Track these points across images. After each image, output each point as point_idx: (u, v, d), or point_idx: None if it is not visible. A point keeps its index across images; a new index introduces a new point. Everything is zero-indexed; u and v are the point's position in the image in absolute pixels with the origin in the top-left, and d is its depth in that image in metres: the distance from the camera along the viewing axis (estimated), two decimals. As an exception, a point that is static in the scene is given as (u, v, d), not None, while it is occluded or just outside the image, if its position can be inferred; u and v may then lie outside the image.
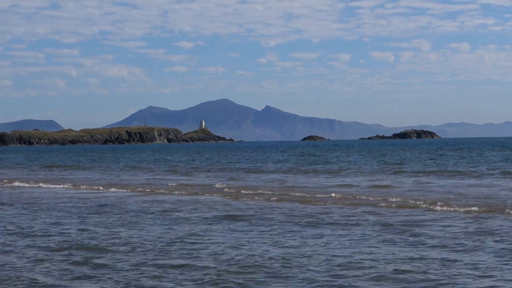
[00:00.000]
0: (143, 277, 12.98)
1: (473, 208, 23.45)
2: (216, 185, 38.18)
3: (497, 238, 16.82)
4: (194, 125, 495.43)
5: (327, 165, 62.66)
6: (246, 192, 33.17)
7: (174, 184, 40.44)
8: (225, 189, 35.52)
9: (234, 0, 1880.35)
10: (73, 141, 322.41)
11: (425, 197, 28.36)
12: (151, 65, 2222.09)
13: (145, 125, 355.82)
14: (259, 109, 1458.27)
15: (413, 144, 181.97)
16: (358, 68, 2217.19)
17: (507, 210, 22.64)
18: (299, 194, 31.32)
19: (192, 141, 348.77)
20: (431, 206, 24.53)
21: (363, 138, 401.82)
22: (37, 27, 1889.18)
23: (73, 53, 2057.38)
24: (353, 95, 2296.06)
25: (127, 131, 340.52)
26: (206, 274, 12.97)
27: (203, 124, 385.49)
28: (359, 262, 13.93)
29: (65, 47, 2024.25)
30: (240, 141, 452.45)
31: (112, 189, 37.79)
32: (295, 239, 17.21)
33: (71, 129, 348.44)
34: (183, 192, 34.38)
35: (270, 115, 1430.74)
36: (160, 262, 14.31)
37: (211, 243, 16.65)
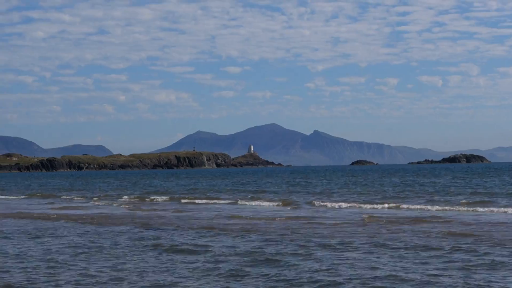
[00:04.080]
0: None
1: None
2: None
3: None
4: (243, 149, 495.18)
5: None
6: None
7: None
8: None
9: (281, 25, 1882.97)
10: (122, 166, 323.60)
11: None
12: (199, 90, 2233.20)
13: (193, 150, 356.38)
14: (308, 134, 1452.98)
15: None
16: (406, 93, 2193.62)
17: None
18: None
19: (241, 166, 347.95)
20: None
21: (412, 163, 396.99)
22: (85, 53, 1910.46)
23: (121, 78, 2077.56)
24: (401, 119, 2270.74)
25: (176, 156, 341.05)
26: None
27: (252, 149, 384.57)
28: None
29: (113, 73, 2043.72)
30: (288, 165, 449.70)
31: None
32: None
33: (120, 154, 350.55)
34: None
35: (318, 139, 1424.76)
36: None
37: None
